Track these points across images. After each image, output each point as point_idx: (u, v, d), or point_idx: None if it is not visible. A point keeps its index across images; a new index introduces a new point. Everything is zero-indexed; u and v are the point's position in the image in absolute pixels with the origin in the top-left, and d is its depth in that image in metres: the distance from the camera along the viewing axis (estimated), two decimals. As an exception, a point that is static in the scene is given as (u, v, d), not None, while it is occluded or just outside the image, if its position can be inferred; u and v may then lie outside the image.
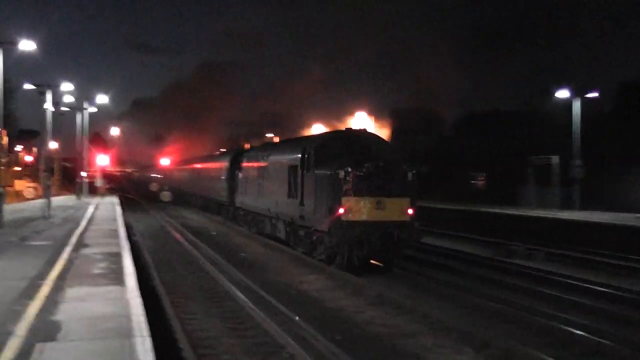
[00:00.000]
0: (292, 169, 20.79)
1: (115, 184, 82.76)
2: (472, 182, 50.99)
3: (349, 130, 21.14)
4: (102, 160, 55.25)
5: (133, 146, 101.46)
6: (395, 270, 18.29)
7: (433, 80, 64.99)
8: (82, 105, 47.99)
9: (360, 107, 42.61)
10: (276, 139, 50.91)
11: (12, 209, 30.34)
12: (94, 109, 49.31)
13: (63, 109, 47.18)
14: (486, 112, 56.06)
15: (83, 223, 23.81)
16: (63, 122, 65.03)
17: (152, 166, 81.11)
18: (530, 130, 45.86)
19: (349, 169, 17.82)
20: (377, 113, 42.38)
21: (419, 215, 18.19)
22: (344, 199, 17.70)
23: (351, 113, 42.34)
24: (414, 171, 18.21)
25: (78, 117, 48.29)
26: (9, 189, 37.31)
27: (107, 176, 69.32)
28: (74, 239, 18.00)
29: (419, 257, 20.65)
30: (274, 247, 22.25)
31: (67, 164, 64.64)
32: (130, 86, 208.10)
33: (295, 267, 18.58)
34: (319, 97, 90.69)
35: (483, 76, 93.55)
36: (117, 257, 14.50)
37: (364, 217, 17.75)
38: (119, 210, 32.65)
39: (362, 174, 17.81)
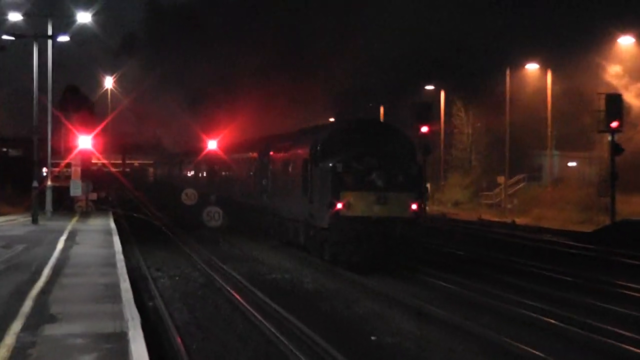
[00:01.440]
0: (305, 162, 19.76)
1: (110, 189, 54.16)
2: None
3: (359, 120, 20.70)
4: (84, 142, 33.68)
5: (146, 118, 70.79)
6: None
7: None
8: (44, 30, 28.16)
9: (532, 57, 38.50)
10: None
11: None
12: (64, 38, 29.62)
13: (4, 37, 28.48)
14: None
15: (29, 303, 10.86)
16: (5, 67, 46.97)
17: (184, 155, 48.06)
18: None
19: (349, 162, 17.53)
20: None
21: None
22: (342, 194, 17.33)
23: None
24: (419, 165, 18.11)
25: (34, 52, 27.48)
26: None
27: (94, 174, 45.11)
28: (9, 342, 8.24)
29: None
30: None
31: (13, 152, 46.78)
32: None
33: None
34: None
35: None
36: None
37: (364, 213, 17.30)
38: (119, 256, 17.14)
39: (362, 167, 17.54)
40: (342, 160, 17.64)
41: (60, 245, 19.67)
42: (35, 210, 27.33)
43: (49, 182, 30.26)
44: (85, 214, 32.93)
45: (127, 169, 76.02)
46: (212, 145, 35.93)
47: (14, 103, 50.80)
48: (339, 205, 17.27)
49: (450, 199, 46.11)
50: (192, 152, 42.98)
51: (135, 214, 37.50)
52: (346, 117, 33.90)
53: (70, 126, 36.80)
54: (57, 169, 36.73)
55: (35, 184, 27.51)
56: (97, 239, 21.79)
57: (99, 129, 39.41)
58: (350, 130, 19.30)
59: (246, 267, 19.20)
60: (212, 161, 36.73)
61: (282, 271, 18.46)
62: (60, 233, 23.22)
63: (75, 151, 33.90)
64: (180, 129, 61.87)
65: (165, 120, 66.22)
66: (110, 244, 19.99)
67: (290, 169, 22.05)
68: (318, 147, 18.77)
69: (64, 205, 34.81)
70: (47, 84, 29.80)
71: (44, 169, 33.03)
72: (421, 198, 18.08)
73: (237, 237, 26.99)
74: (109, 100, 48.40)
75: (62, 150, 37.64)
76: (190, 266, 19.71)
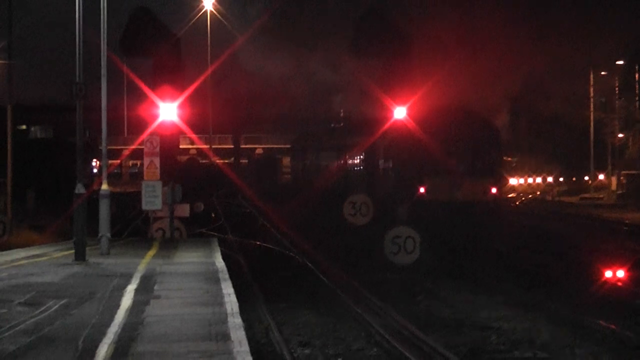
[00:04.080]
0: None
1: (213, 197, 59.44)
2: None
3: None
4: (166, 112, 34.45)
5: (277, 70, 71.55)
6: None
7: None
8: None
9: None
10: None
11: None
12: None
13: None
14: None
15: None
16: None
17: (345, 133, 55.08)
18: None
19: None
20: None
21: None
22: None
23: None
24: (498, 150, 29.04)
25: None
26: None
27: (185, 170, 49.64)
28: None
29: None
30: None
31: (38, 131, 50.93)
32: None
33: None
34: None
35: None
36: None
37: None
38: (234, 322, 17.74)
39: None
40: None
41: (126, 301, 19.21)
42: (79, 237, 26.94)
43: (104, 186, 28.65)
44: (169, 244, 33.31)
45: (243, 160, 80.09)
46: (399, 113, 37.32)
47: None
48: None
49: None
50: (359, 127, 45.70)
51: (258, 242, 39.37)
52: None
53: (140, 83, 36.28)
54: (117, 161, 38.69)
55: (79, 189, 26.66)
56: (193, 290, 21.36)
57: (191, 89, 38.26)
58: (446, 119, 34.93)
59: (466, 340, 20.15)
60: (397, 142, 38.52)
61: (536, 347, 19.42)
62: (126, 279, 23.01)
63: (151, 128, 33.06)
64: (338, 90, 65.82)
65: (311, 73, 67.56)
66: (217, 299, 19.48)
67: None
68: None
69: (132, 227, 36.48)
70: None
71: (94, 162, 33.79)
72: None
73: (447, 282, 29.03)
74: (209, 35, 47.10)
75: (125, 127, 39.52)
76: (363, 339, 20.65)
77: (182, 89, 38.57)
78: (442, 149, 34.22)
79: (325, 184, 54.35)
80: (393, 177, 40.69)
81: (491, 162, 35.82)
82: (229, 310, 17.75)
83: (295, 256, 35.09)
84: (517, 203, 79.09)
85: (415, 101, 41.21)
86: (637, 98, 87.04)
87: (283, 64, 76.28)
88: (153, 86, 36.82)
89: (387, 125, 40.14)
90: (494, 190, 34.23)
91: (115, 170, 35.06)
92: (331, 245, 37.92)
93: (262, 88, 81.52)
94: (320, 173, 59.54)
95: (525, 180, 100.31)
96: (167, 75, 40.66)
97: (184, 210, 35.66)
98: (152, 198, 32.10)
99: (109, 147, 30.46)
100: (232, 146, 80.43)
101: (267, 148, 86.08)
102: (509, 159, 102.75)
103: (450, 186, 33.62)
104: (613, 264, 29.99)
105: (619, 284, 28.35)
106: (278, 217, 49.67)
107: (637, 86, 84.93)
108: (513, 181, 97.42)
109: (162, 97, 35.61)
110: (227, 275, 23.49)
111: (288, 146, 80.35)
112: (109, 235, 28.72)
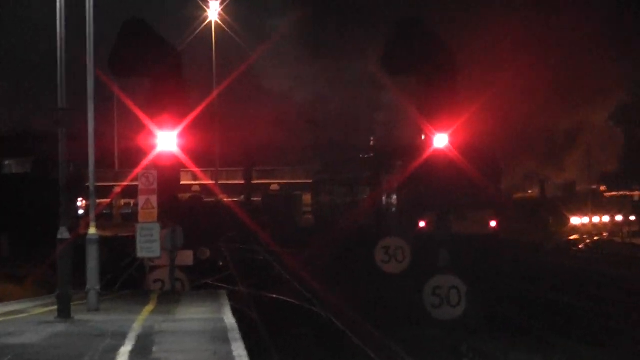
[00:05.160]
0: None
1: (222, 241, 60.90)
2: None
3: None
4: (165, 141, 34.80)
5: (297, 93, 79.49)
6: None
7: None
8: None
9: None
10: None
11: None
12: None
13: None
14: None
15: None
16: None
17: (377, 162, 55.32)
18: None
19: None
20: None
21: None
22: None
23: None
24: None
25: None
26: None
27: (188, 210, 51.87)
28: None
29: None
30: None
31: (13, 165, 52.37)
32: None
33: None
34: None
35: None
36: None
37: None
38: None
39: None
40: None
41: None
42: (63, 290, 27.04)
43: (92, 229, 28.76)
44: (169, 298, 33.47)
45: (255, 199, 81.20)
46: (439, 141, 38.64)
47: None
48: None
49: None
50: (392, 157, 47.84)
51: (274, 294, 39.59)
52: None
53: (133, 108, 37.36)
54: (107, 200, 39.73)
55: (63, 233, 26.69)
56: (199, 352, 21.20)
57: (194, 114, 39.29)
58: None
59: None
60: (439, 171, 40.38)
61: None
62: (120, 339, 22.92)
63: (147, 160, 33.59)
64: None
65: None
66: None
67: None
68: None
69: (125, 277, 37.12)
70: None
71: (80, 201, 34.52)
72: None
73: (497, 339, 29.61)
74: (214, 48, 45.15)
75: (116, 160, 41.69)
76: None
77: (183, 114, 38.69)
78: (441, 181, 39.79)
79: (354, 225, 55.23)
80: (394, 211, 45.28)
81: (490, 194, 41.03)
82: (241, 376, 17.93)
83: (318, 311, 34.93)
84: (580, 246, 79.03)
85: (458, 128, 42.57)
86: None
87: (304, 84, 76.64)
88: (149, 111, 36.91)
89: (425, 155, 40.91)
90: (493, 223, 38.24)
91: (105, 211, 34.26)
92: (361, 297, 38.06)
93: (278, 112, 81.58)
94: (347, 211, 59.96)
95: (590, 220, 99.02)
96: (166, 98, 40.52)
97: (187, 257, 35.23)
98: (149, 243, 31.70)
99: (97, 184, 30.23)
100: (242, 182, 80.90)
101: (284, 184, 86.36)
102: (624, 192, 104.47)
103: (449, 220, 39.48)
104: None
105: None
106: (298, 265, 49.66)
107: None
108: (575, 220, 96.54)
109: (160, 125, 35.70)
110: (238, 335, 23.28)
111: (309, 181, 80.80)
112: (98, 287, 28.39)
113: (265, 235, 61.11)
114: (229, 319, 26.35)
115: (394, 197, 46.49)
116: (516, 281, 42.84)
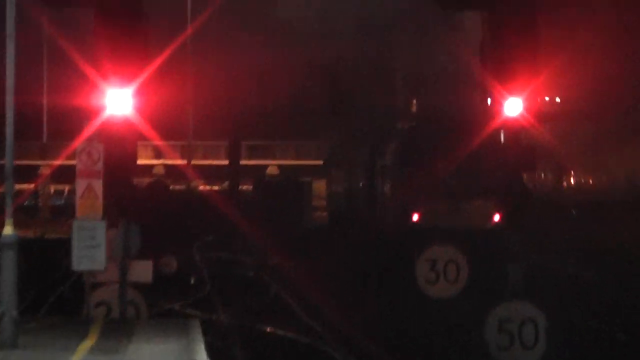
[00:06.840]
0: None
1: (195, 246, 64.13)
2: None
3: None
4: (118, 100, 36.82)
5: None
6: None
7: None
8: None
9: None
10: None
11: None
12: None
13: None
14: None
15: None
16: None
17: (413, 132, 64.63)
18: None
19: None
20: None
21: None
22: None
23: None
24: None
25: None
26: None
27: (147, 202, 55.33)
28: None
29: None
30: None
31: None
32: None
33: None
34: None
35: None
36: None
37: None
38: None
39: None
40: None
41: None
42: None
43: (8, 229, 28.85)
44: (117, 329, 33.70)
45: (245, 187, 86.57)
46: (513, 107, 41.22)
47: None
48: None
49: None
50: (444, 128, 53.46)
51: (270, 328, 40.86)
52: None
53: (71, 51, 39.22)
54: (30, 185, 42.16)
55: None
56: None
57: (157, 62, 40.68)
58: None
59: None
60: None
61: None
62: None
63: (89, 128, 34.97)
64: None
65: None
66: None
67: None
68: None
69: (54, 298, 40.25)
70: None
71: None
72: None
73: None
74: None
75: (45, 127, 43.83)
76: None
77: (143, 62, 38.77)
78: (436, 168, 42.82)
79: (391, 225, 57.15)
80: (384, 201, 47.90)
81: (495, 182, 42.22)
82: None
83: (334, 354, 35.06)
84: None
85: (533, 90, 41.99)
86: None
87: (311, 20, 77.18)
88: (94, 58, 37.32)
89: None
90: (496, 217, 37.90)
91: (28, 202, 34.10)
92: (396, 329, 38.61)
93: (280, 58, 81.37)
94: (380, 205, 62.11)
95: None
96: (119, 38, 40.31)
97: (144, 271, 35.11)
98: (90, 250, 31.88)
99: (17, 162, 29.70)
100: (226, 162, 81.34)
101: (287, 166, 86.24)
102: None
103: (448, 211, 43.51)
104: None
105: None
106: (305, 282, 49.84)
107: None
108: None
109: (109, 77, 35.82)
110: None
111: (320, 162, 79.49)
112: (15, 313, 28.34)
113: (258, 239, 62.50)
114: (201, 361, 26.24)
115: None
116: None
